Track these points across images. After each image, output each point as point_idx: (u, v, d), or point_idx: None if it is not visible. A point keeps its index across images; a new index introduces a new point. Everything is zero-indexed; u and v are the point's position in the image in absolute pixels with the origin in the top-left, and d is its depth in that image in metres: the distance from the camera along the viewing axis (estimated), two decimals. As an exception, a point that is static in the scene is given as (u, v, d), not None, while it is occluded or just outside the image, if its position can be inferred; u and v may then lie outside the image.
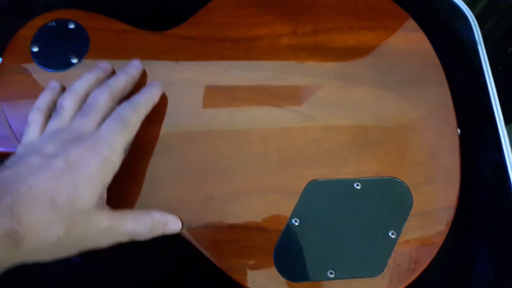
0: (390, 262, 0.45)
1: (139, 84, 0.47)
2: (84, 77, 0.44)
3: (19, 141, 0.45)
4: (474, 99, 0.55)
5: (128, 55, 0.48)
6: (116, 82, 0.44)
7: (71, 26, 0.49)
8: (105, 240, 0.39)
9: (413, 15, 0.54)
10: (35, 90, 0.46)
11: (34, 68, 0.47)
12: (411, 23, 0.53)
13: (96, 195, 0.37)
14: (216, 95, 0.48)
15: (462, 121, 0.51)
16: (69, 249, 0.37)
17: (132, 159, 0.45)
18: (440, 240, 0.46)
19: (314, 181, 0.46)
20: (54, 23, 0.49)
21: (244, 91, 0.49)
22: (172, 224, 0.43)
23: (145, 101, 0.44)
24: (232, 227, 0.44)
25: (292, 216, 0.45)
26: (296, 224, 0.45)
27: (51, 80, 0.46)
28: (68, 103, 0.42)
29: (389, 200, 0.47)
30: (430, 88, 0.51)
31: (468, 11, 0.56)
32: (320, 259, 0.44)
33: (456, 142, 0.49)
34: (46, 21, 0.49)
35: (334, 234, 0.45)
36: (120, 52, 0.48)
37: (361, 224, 0.46)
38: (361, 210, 0.46)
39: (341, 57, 0.51)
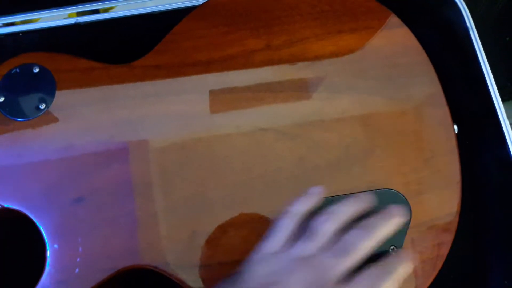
0: (393, 280, 0.43)
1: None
2: (348, 202, 0.41)
3: (-6, 199, 0.44)
4: (472, 89, 0.52)
5: (96, 93, 0.46)
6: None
7: (36, 70, 0.47)
8: None
9: (399, 8, 0.50)
10: (6, 143, 0.45)
11: (2, 119, 0.46)
12: (393, 19, 0.50)
13: None
14: (192, 125, 0.46)
15: (461, 114, 0.48)
16: None
17: (110, 203, 0.44)
18: (445, 250, 0.44)
19: (303, 203, 0.44)
20: (18, 69, 0.47)
21: (221, 117, 0.46)
22: None
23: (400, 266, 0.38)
24: (222, 263, 0.43)
25: (285, 243, 0.43)
26: (290, 251, 0.43)
27: (313, 187, 0.43)
28: (326, 229, 0.38)
29: (386, 213, 0.44)
30: (420, 87, 0.48)
31: (456, -4, 0.53)
32: (318, 285, 0.42)
33: (453, 143, 0.46)
34: (10, 68, 0.47)
35: (331, 257, 0.43)
36: (88, 91, 0.47)
37: (358, 243, 0.43)
38: (357, 228, 0.44)
39: (321, 66, 0.48)
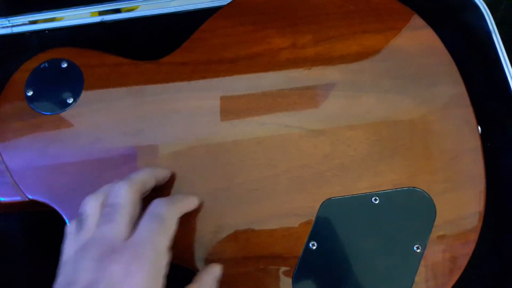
0: (417, 278, 0.42)
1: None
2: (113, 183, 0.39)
3: (21, 190, 0.44)
4: (494, 92, 0.52)
5: (124, 88, 0.47)
6: (137, 175, 0.40)
7: (64, 65, 0.48)
8: None
9: (421, 11, 0.51)
10: (33, 136, 0.45)
11: (30, 113, 0.46)
12: (417, 21, 0.50)
13: None
14: (218, 121, 0.46)
15: (483, 117, 0.48)
16: None
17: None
18: (469, 249, 0.44)
19: (328, 200, 0.44)
20: (46, 64, 0.48)
21: (246, 113, 0.47)
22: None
23: (181, 198, 0.41)
24: (247, 257, 0.43)
25: (309, 240, 0.43)
26: (314, 247, 0.43)
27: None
28: (91, 207, 0.37)
29: (411, 212, 0.44)
30: (444, 87, 0.48)
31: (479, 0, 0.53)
32: (343, 282, 0.42)
33: (477, 142, 0.46)
34: (38, 62, 0.48)
35: (355, 254, 0.43)
36: (116, 86, 0.47)
37: (383, 241, 0.43)
38: (382, 225, 0.44)
39: (346, 66, 0.48)
